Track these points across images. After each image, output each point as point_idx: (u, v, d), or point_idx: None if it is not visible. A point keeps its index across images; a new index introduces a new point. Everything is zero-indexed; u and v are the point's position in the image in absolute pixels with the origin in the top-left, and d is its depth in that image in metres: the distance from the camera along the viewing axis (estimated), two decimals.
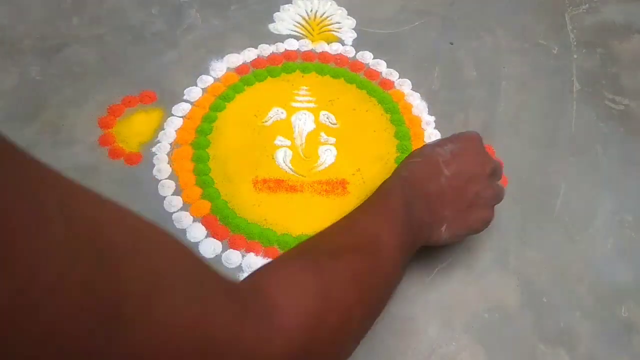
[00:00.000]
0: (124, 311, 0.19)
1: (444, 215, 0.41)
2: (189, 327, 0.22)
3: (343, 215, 0.50)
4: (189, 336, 0.22)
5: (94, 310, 0.18)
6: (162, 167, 0.52)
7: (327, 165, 0.53)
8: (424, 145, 0.45)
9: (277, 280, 0.29)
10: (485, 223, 0.43)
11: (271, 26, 0.64)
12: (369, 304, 0.35)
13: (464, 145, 0.43)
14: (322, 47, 0.61)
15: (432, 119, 0.56)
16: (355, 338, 0.34)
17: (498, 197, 0.44)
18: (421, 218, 0.40)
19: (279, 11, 0.65)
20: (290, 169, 0.52)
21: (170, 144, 0.54)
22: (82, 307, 0.17)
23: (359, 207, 0.41)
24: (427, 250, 0.48)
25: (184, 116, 0.56)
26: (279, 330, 0.26)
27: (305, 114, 0.56)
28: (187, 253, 0.25)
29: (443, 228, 0.41)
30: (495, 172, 0.44)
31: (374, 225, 0.38)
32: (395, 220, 0.38)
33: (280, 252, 0.48)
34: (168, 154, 0.53)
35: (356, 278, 0.33)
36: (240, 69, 0.59)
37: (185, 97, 0.57)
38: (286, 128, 0.55)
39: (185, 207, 0.50)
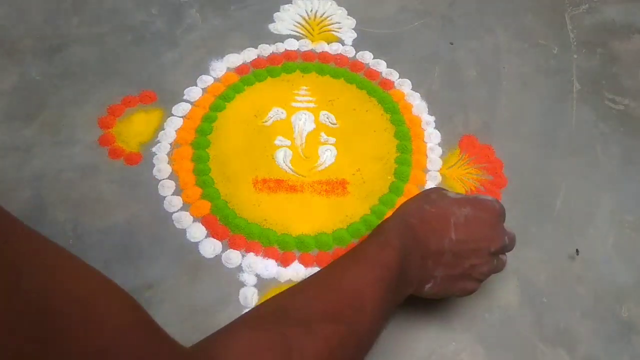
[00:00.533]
0: None
1: (434, 275, 0.39)
2: None
3: (343, 216, 0.50)
4: None
5: None
6: (162, 167, 0.52)
7: (327, 165, 0.53)
8: (442, 193, 0.41)
9: (235, 356, 0.25)
10: (467, 293, 0.41)
11: (271, 26, 0.64)
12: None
13: (481, 215, 0.40)
14: (322, 47, 0.61)
15: (432, 119, 0.56)
16: None
17: (495, 271, 0.42)
18: (412, 274, 0.38)
19: (279, 11, 0.65)
20: (290, 169, 0.52)
21: (170, 144, 0.54)
22: None
23: (350, 252, 0.37)
24: None
25: (184, 116, 0.56)
26: None
27: (305, 114, 0.56)
28: (142, 321, 0.23)
29: (428, 285, 0.40)
30: (504, 249, 0.42)
31: (360, 281, 0.34)
32: (385, 276, 0.35)
33: (281, 252, 0.48)
34: (168, 154, 0.53)
35: (331, 353, 0.29)
36: (240, 69, 0.59)
37: (185, 97, 0.57)
38: (286, 128, 0.55)
39: (185, 207, 0.50)
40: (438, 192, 0.42)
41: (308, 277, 0.35)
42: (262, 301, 0.28)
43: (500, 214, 0.42)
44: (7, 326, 0.17)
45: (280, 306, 0.31)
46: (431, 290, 0.40)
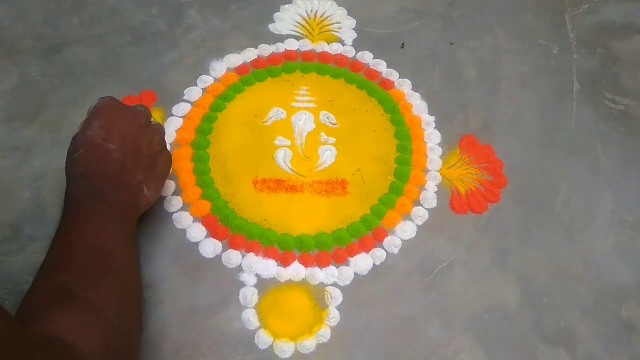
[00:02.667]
0: None
1: (139, 181, 0.42)
2: None
3: (343, 216, 0.50)
4: None
5: None
6: None
7: (327, 165, 0.53)
8: (73, 138, 0.42)
9: (63, 328, 0.30)
10: (170, 163, 0.46)
11: (271, 26, 0.64)
12: (132, 301, 0.37)
13: (108, 115, 0.42)
14: (322, 47, 0.61)
15: (432, 119, 0.56)
16: (138, 332, 0.37)
17: (162, 135, 0.46)
18: (121, 200, 0.40)
19: (279, 11, 0.65)
20: (290, 169, 0.52)
21: (170, 144, 0.54)
22: None
23: (57, 236, 0.38)
24: (427, 250, 0.48)
25: (184, 116, 0.56)
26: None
27: (305, 114, 0.56)
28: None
29: (145, 191, 0.42)
30: (147, 117, 0.45)
31: (93, 238, 0.37)
32: (101, 222, 0.38)
33: (281, 252, 0.48)
34: None
35: (111, 285, 0.35)
36: (240, 69, 0.59)
37: (185, 97, 0.57)
38: (286, 128, 0.55)
39: (185, 207, 0.50)
40: (71, 143, 0.42)
41: (51, 254, 0.37)
42: None
43: (114, 100, 0.44)
44: None
45: (62, 282, 0.35)
46: (152, 191, 0.44)
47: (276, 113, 0.56)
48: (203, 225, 0.49)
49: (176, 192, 0.50)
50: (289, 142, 0.54)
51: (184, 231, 0.48)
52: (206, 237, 0.48)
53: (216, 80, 0.58)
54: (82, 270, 0.35)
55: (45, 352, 0.27)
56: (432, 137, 0.55)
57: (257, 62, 0.60)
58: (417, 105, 0.57)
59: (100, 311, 0.33)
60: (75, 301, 0.33)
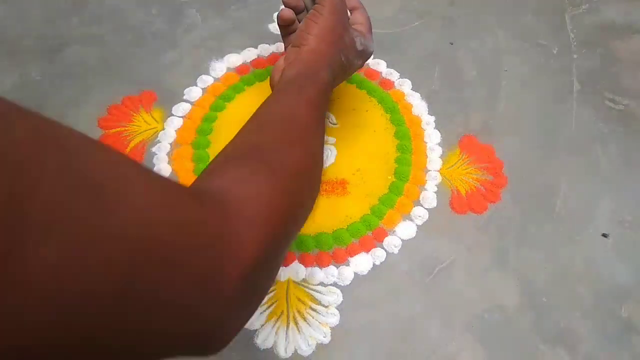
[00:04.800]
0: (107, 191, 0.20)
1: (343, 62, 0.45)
2: (157, 226, 0.22)
3: (343, 216, 0.50)
4: (156, 236, 0.22)
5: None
6: (162, 167, 0.52)
7: (327, 165, 0.53)
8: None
9: (231, 186, 0.29)
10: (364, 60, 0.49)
11: (271, 26, 0.64)
12: (314, 172, 0.36)
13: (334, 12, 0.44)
14: None
15: (432, 119, 0.56)
16: (304, 217, 0.35)
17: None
18: (322, 75, 0.42)
19: (278, 11, 0.65)
20: None
21: (171, 144, 0.54)
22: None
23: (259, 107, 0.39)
24: (427, 250, 0.48)
25: (184, 116, 0.56)
26: (245, 228, 0.27)
27: None
28: (166, 192, 0.25)
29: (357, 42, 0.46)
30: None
31: (289, 107, 0.38)
32: (299, 91, 0.39)
33: None
34: (168, 154, 0.53)
35: (297, 155, 0.34)
36: (241, 69, 0.59)
37: (185, 97, 0.57)
38: None
39: None
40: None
41: (257, 114, 0.38)
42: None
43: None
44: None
45: (249, 143, 0.35)
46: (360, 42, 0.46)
47: None
48: None
49: None
50: None
51: None
52: None
53: (216, 80, 0.58)
54: (270, 134, 0.35)
55: (206, 210, 0.26)
56: (432, 137, 0.55)
57: (257, 62, 0.60)
58: (417, 105, 0.57)
59: (276, 174, 0.31)
60: (252, 161, 0.32)
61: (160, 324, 0.23)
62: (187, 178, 0.51)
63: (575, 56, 0.63)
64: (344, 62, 0.45)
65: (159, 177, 0.24)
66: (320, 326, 0.44)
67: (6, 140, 0.17)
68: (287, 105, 0.38)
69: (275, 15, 0.65)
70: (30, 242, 0.16)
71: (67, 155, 0.19)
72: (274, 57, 0.60)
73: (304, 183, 0.34)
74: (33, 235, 0.17)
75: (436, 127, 0.56)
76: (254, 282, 0.28)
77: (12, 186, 0.16)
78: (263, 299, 0.32)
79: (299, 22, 0.47)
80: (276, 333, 0.44)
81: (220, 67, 0.59)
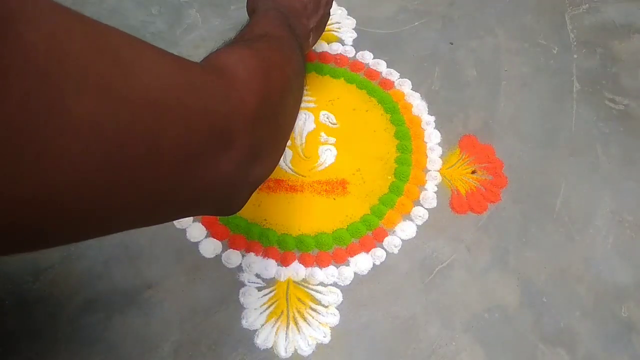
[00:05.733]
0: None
1: (310, 28, 0.50)
2: (176, 89, 0.26)
3: (343, 216, 0.50)
4: (174, 97, 0.25)
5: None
6: None
7: (327, 165, 0.53)
8: None
9: (225, 57, 0.34)
10: (325, 25, 0.55)
11: None
12: (291, 62, 0.40)
13: None
14: (322, 47, 0.61)
15: (432, 119, 0.56)
16: (293, 96, 0.39)
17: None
18: (297, 32, 0.45)
19: None
20: (290, 169, 0.52)
21: None
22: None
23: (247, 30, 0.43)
24: (427, 250, 0.48)
25: None
26: (240, 84, 0.31)
27: (305, 113, 0.56)
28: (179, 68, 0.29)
29: (310, 38, 0.50)
30: None
31: (264, 28, 0.42)
32: (281, 25, 0.43)
33: (281, 252, 0.48)
34: None
35: (273, 46, 0.39)
36: None
37: None
38: None
39: None
40: None
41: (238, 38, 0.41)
42: None
43: None
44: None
45: (236, 40, 0.40)
46: (311, 43, 0.52)
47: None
48: (203, 225, 0.49)
49: None
50: (289, 142, 0.54)
51: (184, 231, 0.48)
52: (206, 237, 0.48)
53: None
54: (252, 39, 0.39)
55: (211, 75, 0.30)
56: (432, 137, 0.55)
57: None
58: (417, 105, 0.57)
59: (265, 55, 0.36)
60: (239, 45, 0.37)
61: (184, 177, 0.27)
62: None
63: (575, 56, 0.63)
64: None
65: (167, 52, 0.27)
66: (320, 326, 0.44)
67: (35, 13, 0.19)
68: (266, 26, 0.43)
69: None
70: (70, 92, 0.19)
71: (86, 26, 0.22)
72: None
73: (284, 63, 0.39)
74: (71, 87, 0.19)
75: (436, 127, 0.56)
76: (259, 136, 0.32)
77: (49, 44, 0.19)
78: (271, 165, 0.36)
79: None
80: (276, 333, 0.44)
81: None
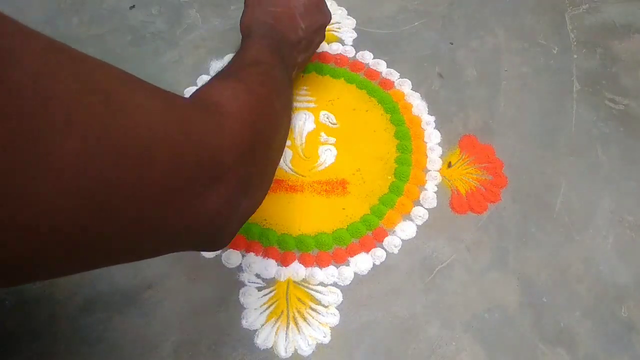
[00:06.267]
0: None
1: (297, 62, 0.50)
2: (163, 124, 0.26)
3: (343, 216, 0.50)
4: (163, 134, 0.25)
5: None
6: None
7: (327, 165, 0.53)
8: None
9: (217, 93, 0.34)
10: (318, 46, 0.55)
11: None
12: (280, 96, 0.40)
13: (312, 0, 0.50)
14: (322, 47, 0.61)
15: (432, 119, 0.56)
16: (282, 129, 0.40)
17: (328, 21, 0.53)
18: (287, 54, 0.46)
19: None
20: (290, 169, 0.52)
21: None
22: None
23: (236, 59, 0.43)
24: (427, 250, 0.48)
25: None
26: (231, 120, 0.31)
27: (305, 113, 0.56)
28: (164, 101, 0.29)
29: (294, 72, 0.50)
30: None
31: (257, 55, 0.43)
32: (273, 53, 0.44)
33: (281, 252, 0.48)
34: None
35: (265, 79, 0.39)
36: None
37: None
38: None
39: None
40: None
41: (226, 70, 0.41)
42: None
43: None
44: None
45: (227, 72, 0.40)
46: (295, 75, 0.51)
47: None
48: None
49: None
50: (289, 142, 0.54)
51: None
52: None
53: None
54: (244, 67, 0.40)
55: (202, 112, 0.30)
56: (432, 137, 0.55)
57: None
58: (417, 105, 0.57)
59: (256, 89, 0.37)
60: (231, 78, 0.37)
61: (171, 212, 0.27)
62: None
63: (575, 56, 0.63)
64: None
65: (157, 87, 0.28)
66: (320, 326, 0.44)
67: (23, 52, 0.20)
68: (254, 52, 0.43)
69: None
70: (56, 133, 0.19)
71: (77, 65, 0.22)
72: None
73: (274, 98, 0.39)
74: (57, 128, 0.19)
75: (436, 127, 0.56)
76: (248, 170, 0.32)
77: (34, 86, 0.19)
78: (259, 199, 0.36)
79: None
80: (276, 333, 0.44)
81: (220, 67, 0.59)
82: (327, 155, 0.53)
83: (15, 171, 0.18)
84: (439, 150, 0.54)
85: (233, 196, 0.31)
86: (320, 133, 0.55)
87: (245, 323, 0.44)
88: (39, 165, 0.19)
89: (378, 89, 0.58)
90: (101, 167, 0.21)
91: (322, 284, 0.46)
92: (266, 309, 0.45)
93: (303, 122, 0.55)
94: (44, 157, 0.19)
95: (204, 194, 0.28)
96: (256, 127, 0.33)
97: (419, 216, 0.50)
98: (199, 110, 0.30)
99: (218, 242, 0.34)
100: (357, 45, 0.62)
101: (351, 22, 0.64)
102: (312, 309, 0.45)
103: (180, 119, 0.27)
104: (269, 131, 0.36)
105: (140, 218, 0.25)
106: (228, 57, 0.60)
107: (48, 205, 0.20)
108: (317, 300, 0.45)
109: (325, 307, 0.45)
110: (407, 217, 0.50)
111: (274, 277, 0.46)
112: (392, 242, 0.48)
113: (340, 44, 0.62)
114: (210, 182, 0.29)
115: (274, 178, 0.51)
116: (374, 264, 0.47)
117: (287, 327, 0.44)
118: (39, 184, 0.19)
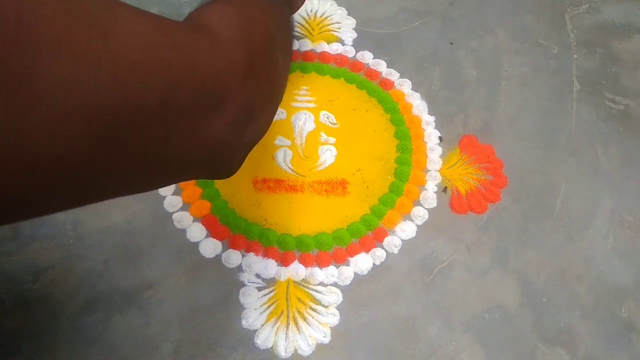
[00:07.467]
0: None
1: None
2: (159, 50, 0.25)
3: (343, 216, 0.50)
4: (157, 58, 0.25)
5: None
6: None
7: (327, 165, 0.53)
8: None
9: (205, 16, 0.33)
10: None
11: None
12: (275, 17, 0.40)
13: None
14: (322, 47, 0.61)
15: (432, 119, 0.56)
16: (280, 50, 0.38)
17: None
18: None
19: None
20: (290, 169, 0.52)
21: None
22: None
23: None
24: (427, 250, 0.48)
25: None
26: (224, 42, 0.31)
27: (305, 113, 0.56)
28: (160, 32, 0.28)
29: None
30: None
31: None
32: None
33: (281, 252, 0.48)
34: None
35: (257, 1, 0.38)
36: None
37: None
38: (286, 128, 0.55)
39: (185, 207, 0.50)
40: None
41: None
42: None
43: None
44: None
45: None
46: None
47: (276, 113, 0.56)
48: (203, 225, 0.49)
49: (176, 192, 0.50)
50: (289, 142, 0.54)
51: (184, 231, 0.48)
52: (206, 237, 0.48)
53: None
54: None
55: (194, 33, 0.30)
56: (432, 137, 0.55)
57: None
58: (417, 105, 0.57)
59: (246, 10, 0.35)
60: (224, 1, 0.36)
61: (175, 138, 0.26)
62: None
63: (575, 56, 0.63)
64: None
65: (147, 12, 0.27)
66: (320, 326, 0.44)
67: None
68: None
69: None
70: (43, 59, 0.19)
71: None
72: None
73: (267, 18, 0.38)
74: (44, 53, 0.19)
75: (436, 127, 0.56)
76: (251, 95, 0.31)
77: (18, 10, 0.18)
78: (265, 123, 0.36)
79: None
80: (276, 333, 0.44)
81: None
82: (327, 155, 0.53)
83: (6, 97, 0.18)
84: (439, 150, 0.54)
85: (238, 120, 0.31)
86: (320, 133, 0.55)
87: (245, 323, 0.44)
88: (31, 91, 0.19)
89: (378, 89, 0.58)
90: (97, 93, 0.21)
91: (322, 284, 0.46)
92: (266, 309, 0.45)
93: (303, 122, 0.55)
94: (36, 83, 0.19)
95: (207, 118, 0.28)
96: (251, 49, 0.32)
97: (419, 216, 0.50)
98: (192, 32, 0.30)
99: (228, 169, 0.34)
100: (357, 45, 0.62)
101: (351, 22, 0.64)
102: (312, 309, 0.45)
103: (173, 41, 0.27)
104: (265, 52, 0.35)
105: (142, 144, 0.24)
106: None
107: (48, 132, 0.19)
108: (317, 300, 0.45)
109: (325, 307, 0.45)
110: (407, 217, 0.50)
111: (274, 277, 0.46)
112: (392, 242, 0.48)
113: (340, 44, 0.62)
114: (212, 106, 0.28)
115: (274, 178, 0.51)
116: (374, 264, 0.47)
117: (287, 327, 0.44)
118: (35, 109, 0.19)
